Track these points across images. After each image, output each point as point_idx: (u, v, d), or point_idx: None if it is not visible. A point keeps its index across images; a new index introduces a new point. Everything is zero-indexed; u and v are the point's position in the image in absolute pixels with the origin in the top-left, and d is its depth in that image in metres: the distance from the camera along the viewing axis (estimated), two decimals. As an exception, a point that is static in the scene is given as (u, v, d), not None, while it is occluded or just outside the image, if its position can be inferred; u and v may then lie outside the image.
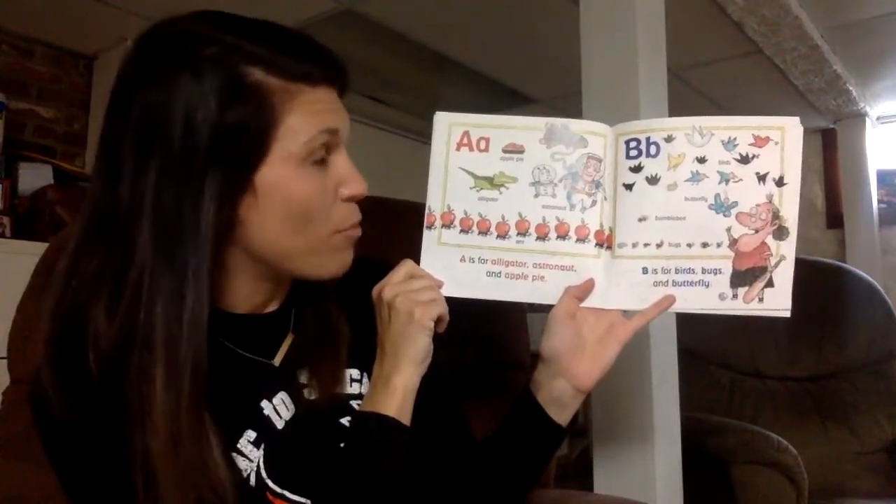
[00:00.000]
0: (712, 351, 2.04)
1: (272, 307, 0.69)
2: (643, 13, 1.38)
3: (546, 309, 0.72)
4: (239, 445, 0.63)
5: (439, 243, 0.71)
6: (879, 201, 3.24)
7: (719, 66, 2.65)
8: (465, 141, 0.72)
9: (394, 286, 0.66)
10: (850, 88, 2.86)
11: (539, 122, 0.72)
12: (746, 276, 0.67)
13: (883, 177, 3.28)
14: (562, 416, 0.72)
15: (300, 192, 0.60)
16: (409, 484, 0.65)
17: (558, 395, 0.71)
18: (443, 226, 0.71)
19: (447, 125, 0.72)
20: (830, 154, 3.40)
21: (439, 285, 0.69)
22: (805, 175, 3.70)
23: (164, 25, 0.60)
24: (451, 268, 0.70)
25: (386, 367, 0.65)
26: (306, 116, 0.60)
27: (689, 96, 2.92)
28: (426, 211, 0.72)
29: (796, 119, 0.68)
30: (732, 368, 2.04)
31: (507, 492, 0.75)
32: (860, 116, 3.20)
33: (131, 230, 0.57)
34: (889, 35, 2.45)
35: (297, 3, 2.18)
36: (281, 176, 0.59)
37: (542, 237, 0.70)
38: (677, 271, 0.68)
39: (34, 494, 0.79)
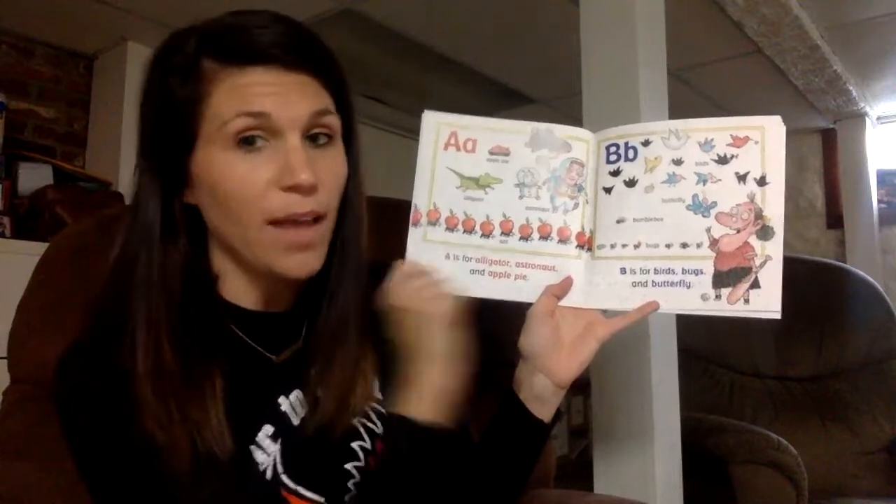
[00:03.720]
0: (712, 351, 2.04)
1: (281, 307, 0.70)
2: (643, 13, 1.38)
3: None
4: (257, 439, 0.64)
5: (425, 240, 0.72)
6: (879, 201, 3.24)
7: (719, 66, 2.65)
8: (453, 141, 0.73)
9: (396, 290, 0.67)
10: (850, 88, 2.86)
11: (525, 127, 0.73)
12: (729, 276, 0.66)
13: (883, 177, 3.28)
14: (543, 412, 0.73)
15: (223, 177, 0.60)
16: (444, 484, 0.65)
17: (539, 392, 0.73)
18: (428, 223, 0.72)
19: (435, 125, 0.73)
20: (830, 154, 3.40)
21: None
22: (805, 175, 3.71)
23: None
24: (435, 264, 0.71)
25: (413, 367, 0.66)
26: (228, 99, 0.59)
27: (689, 96, 2.92)
28: (412, 209, 0.72)
29: (777, 118, 0.68)
30: (732, 368, 2.04)
31: (500, 490, 0.75)
32: (860, 116, 3.20)
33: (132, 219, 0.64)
34: (889, 35, 2.45)
35: (296, 3, 2.18)
36: (206, 160, 0.61)
37: (525, 237, 0.72)
38: (656, 271, 0.68)
39: (34, 494, 0.79)
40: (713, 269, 0.67)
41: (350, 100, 0.67)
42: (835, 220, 3.37)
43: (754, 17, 2.21)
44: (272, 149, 0.60)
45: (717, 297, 0.67)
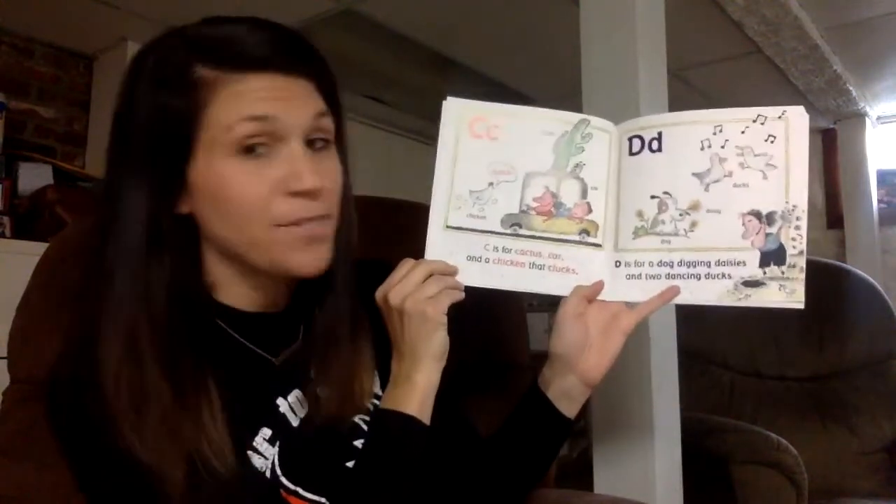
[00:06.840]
0: (712, 351, 2.04)
1: (278, 308, 0.70)
2: (643, 13, 1.37)
3: (547, 308, 0.73)
4: (255, 444, 0.63)
5: (445, 227, 0.70)
6: (879, 201, 3.25)
7: (719, 66, 2.65)
8: (478, 130, 0.72)
9: (397, 289, 0.65)
10: (850, 88, 2.86)
11: (566, 116, 0.75)
12: (762, 267, 0.66)
13: (883, 177, 3.29)
14: (571, 409, 0.74)
15: (226, 184, 0.59)
16: (427, 482, 0.66)
17: (568, 390, 0.73)
18: (451, 209, 0.71)
19: (458, 112, 0.72)
20: (830, 154, 3.40)
21: (452, 272, 0.68)
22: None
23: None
24: (456, 255, 0.70)
25: (405, 365, 0.66)
26: (231, 106, 0.58)
27: (689, 96, 2.92)
28: (433, 194, 0.71)
29: (800, 108, 0.68)
30: (732, 368, 2.04)
31: (515, 485, 0.77)
32: (860, 116, 3.20)
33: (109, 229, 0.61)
34: (889, 35, 2.45)
35: (297, 3, 2.18)
36: (208, 168, 0.59)
37: (544, 215, 0.71)
38: (680, 264, 0.68)
39: (34, 494, 0.79)
40: (740, 262, 0.66)
41: (340, 100, 0.67)
42: (835, 220, 3.37)
43: (754, 17, 2.21)
44: (273, 155, 0.60)
45: (740, 288, 0.66)
